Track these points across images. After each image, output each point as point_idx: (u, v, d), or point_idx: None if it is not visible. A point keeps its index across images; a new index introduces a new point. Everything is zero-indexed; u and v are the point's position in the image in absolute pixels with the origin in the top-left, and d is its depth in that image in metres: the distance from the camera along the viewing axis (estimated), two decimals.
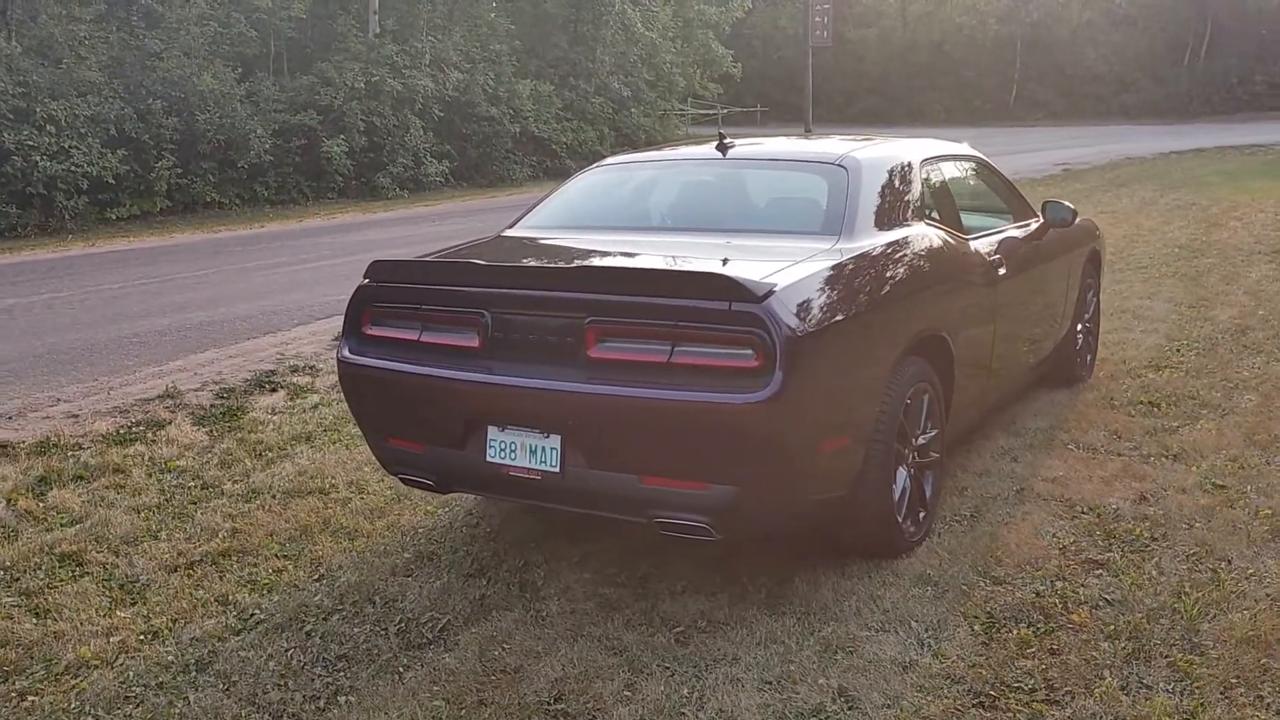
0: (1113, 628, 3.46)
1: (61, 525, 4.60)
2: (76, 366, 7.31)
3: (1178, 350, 7.16)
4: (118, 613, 3.82)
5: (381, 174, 21.98)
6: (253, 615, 3.78)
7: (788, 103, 49.22)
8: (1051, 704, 3.07)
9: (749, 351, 3.27)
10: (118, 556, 4.29)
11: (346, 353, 4.04)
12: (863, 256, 3.87)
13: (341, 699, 3.22)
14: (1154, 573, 3.86)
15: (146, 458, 5.43)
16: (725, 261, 3.68)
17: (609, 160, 5.14)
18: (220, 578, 4.09)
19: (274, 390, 6.72)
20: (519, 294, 3.67)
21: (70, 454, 5.49)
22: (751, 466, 3.32)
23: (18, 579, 4.10)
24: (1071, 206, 5.60)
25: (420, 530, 4.50)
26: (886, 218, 4.22)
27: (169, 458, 5.44)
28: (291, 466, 5.28)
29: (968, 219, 4.92)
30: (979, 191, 5.41)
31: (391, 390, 3.92)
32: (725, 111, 44.41)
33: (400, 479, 4.12)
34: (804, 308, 3.39)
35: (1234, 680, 3.14)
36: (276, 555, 4.28)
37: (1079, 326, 6.27)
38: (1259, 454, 5.08)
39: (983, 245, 4.83)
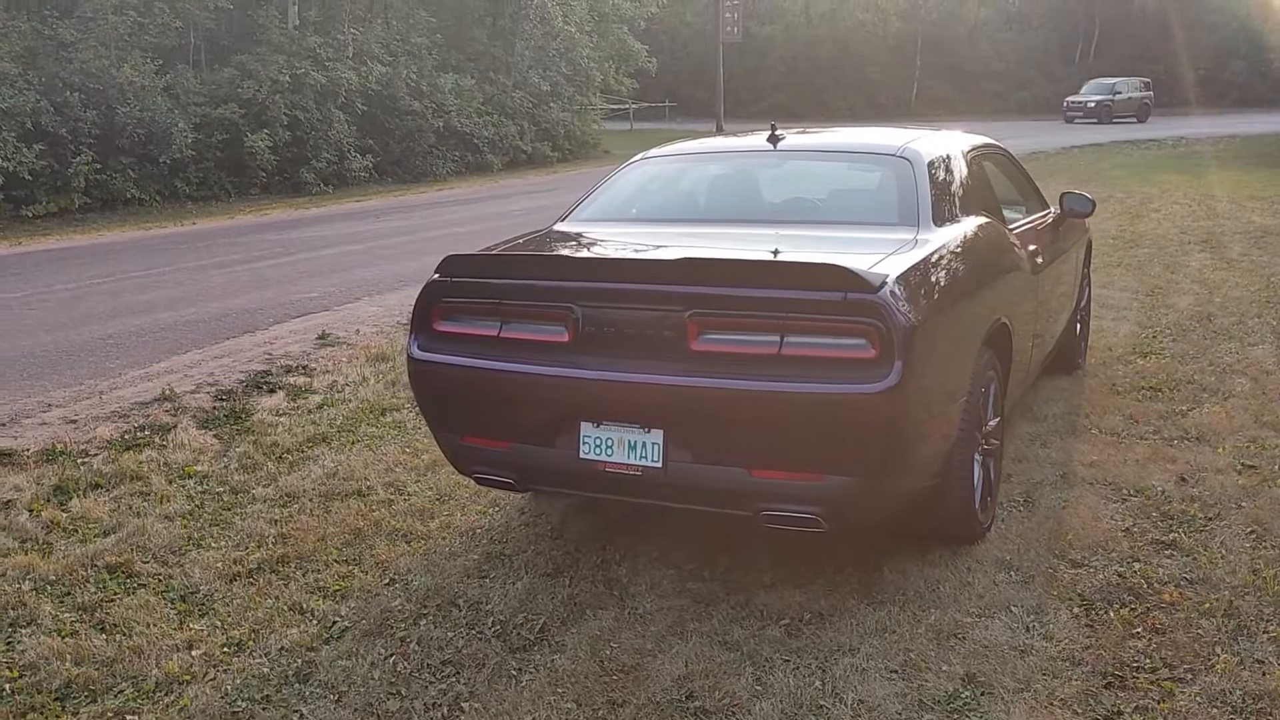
0: (1207, 605, 3.56)
1: (96, 536, 4.39)
2: (57, 370, 6.97)
3: (1154, 337, 7.40)
4: (190, 625, 3.66)
5: (305, 169, 21.41)
6: (335, 623, 3.65)
7: (695, 98, 49.59)
8: (1178, 681, 3.14)
9: (863, 341, 3.26)
10: (168, 567, 4.11)
11: (416, 350, 3.92)
12: (944, 246, 3.91)
13: (465, 705, 3.13)
14: (1222, 551, 3.98)
15: (161, 463, 5.21)
16: (825, 253, 3.68)
17: (653, 153, 5.07)
18: (285, 585, 3.94)
19: (272, 391, 6.51)
20: (613, 288, 3.61)
21: (80, 461, 5.24)
22: (869, 456, 3.32)
23: (69, 593, 3.90)
24: (1090, 198, 5.74)
25: (479, 531, 4.40)
26: (949, 209, 4.27)
27: (185, 463, 5.22)
28: (318, 469, 5.12)
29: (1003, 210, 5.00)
30: (1005, 182, 5.51)
31: (470, 388, 3.82)
32: (636, 106, 44.50)
33: (474, 478, 4.03)
34: (914, 297, 3.41)
35: None
36: (336, 560, 4.14)
37: (1077, 315, 6.43)
38: (1273, 435, 5.27)
39: (1021, 235, 4.92)
